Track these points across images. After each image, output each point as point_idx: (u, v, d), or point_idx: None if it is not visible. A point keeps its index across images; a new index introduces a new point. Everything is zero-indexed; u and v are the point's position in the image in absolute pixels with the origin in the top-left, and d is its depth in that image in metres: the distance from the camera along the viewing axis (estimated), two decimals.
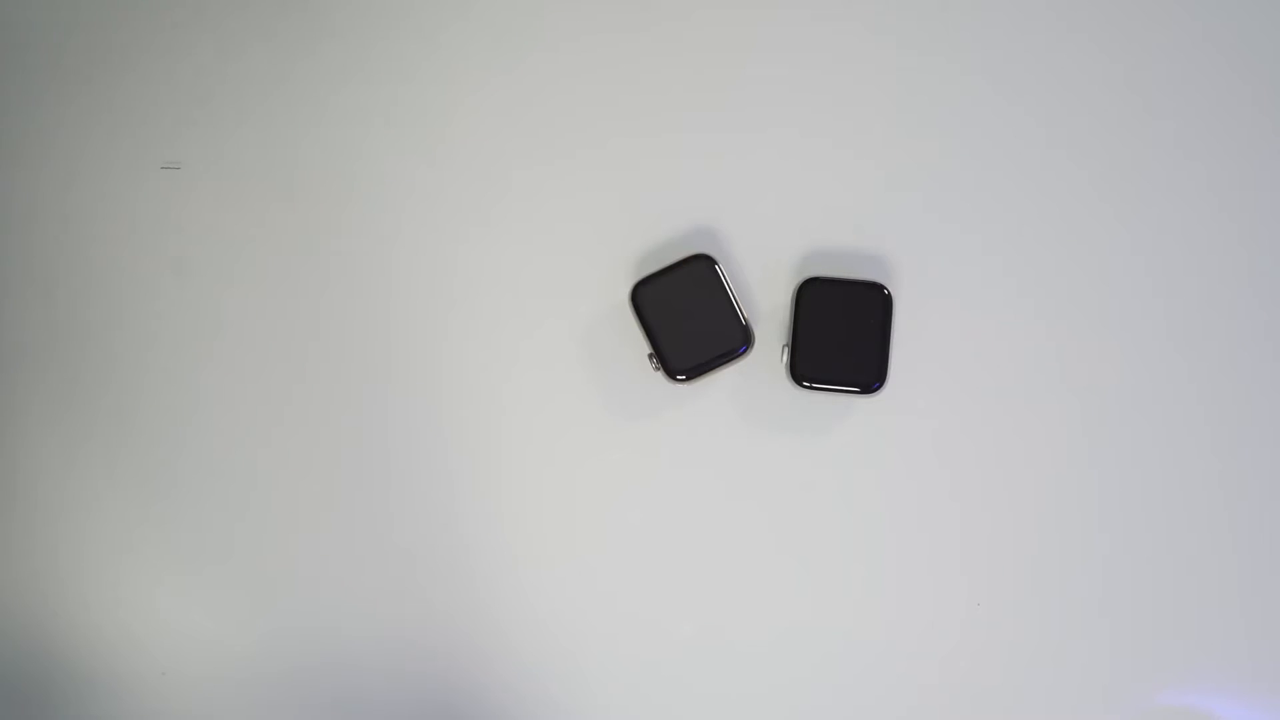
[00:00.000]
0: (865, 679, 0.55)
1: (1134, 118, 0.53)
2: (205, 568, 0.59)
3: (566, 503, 0.56)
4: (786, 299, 0.53)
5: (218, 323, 0.58)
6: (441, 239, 0.56)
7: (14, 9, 0.60)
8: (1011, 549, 0.53)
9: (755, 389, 0.54)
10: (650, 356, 0.52)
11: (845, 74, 0.54)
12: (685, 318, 0.52)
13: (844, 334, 0.51)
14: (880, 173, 0.54)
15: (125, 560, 0.59)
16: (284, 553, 0.58)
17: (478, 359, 0.56)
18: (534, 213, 0.56)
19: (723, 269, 0.52)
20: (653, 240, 0.55)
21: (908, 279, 0.53)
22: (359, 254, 0.57)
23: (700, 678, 0.56)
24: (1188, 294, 0.53)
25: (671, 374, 0.52)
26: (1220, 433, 0.53)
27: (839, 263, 0.54)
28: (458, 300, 0.56)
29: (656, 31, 0.55)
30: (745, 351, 0.52)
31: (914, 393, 0.53)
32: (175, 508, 0.59)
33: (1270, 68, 0.53)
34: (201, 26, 0.58)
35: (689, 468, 0.55)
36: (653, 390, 0.55)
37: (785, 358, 0.52)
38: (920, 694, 0.54)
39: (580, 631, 0.56)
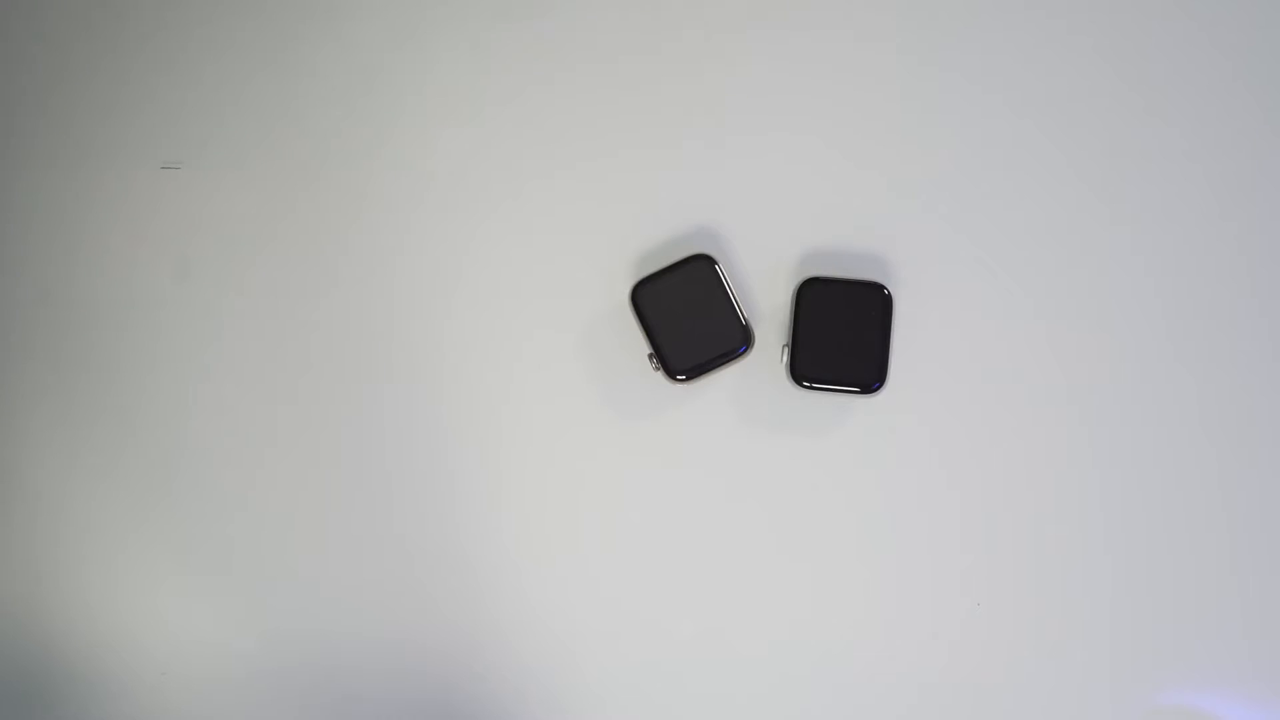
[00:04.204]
0: (865, 679, 0.55)
1: (1133, 119, 0.53)
2: (205, 568, 0.59)
3: (566, 502, 0.56)
4: (786, 299, 0.53)
5: (218, 322, 0.58)
6: (442, 239, 0.56)
7: (14, 8, 0.60)
8: (1011, 549, 0.53)
9: (755, 389, 0.54)
10: (650, 356, 0.52)
11: (846, 76, 0.54)
12: (685, 318, 0.52)
13: (844, 334, 0.51)
14: (880, 173, 0.54)
15: (125, 560, 0.59)
16: (284, 553, 0.58)
17: (478, 359, 0.56)
18: (534, 213, 0.56)
19: (723, 269, 0.52)
20: (653, 240, 0.55)
21: (908, 279, 0.53)
22: (359, 254, 0.57)
23: (700, 677, 0.56)
24: (1187, 294, 0.53)
25: (671, 374, 0.52)
26: (1220, 433, 0.53)
27: (839, 263, 0.54)
28: (458, 300, 0.56)
29: (657, 33, 0.55)
30: (745, 351, 0.52)
31: (914, 393, 0.53)
32: (176, 508, 0.59)
33: (1271, 68, 0.53)
34: (202, 28, 0.58)
35: (689, 468, 0.55)
36: (653, 390, 0.55)
37: (785, 358, 0.52)
38: (920, 694, 0.54)
39: (580, 631, 0.56)
